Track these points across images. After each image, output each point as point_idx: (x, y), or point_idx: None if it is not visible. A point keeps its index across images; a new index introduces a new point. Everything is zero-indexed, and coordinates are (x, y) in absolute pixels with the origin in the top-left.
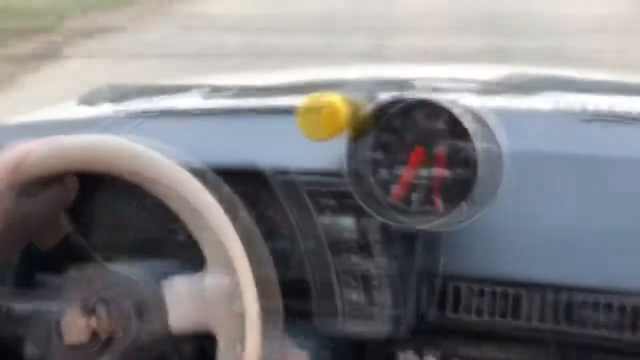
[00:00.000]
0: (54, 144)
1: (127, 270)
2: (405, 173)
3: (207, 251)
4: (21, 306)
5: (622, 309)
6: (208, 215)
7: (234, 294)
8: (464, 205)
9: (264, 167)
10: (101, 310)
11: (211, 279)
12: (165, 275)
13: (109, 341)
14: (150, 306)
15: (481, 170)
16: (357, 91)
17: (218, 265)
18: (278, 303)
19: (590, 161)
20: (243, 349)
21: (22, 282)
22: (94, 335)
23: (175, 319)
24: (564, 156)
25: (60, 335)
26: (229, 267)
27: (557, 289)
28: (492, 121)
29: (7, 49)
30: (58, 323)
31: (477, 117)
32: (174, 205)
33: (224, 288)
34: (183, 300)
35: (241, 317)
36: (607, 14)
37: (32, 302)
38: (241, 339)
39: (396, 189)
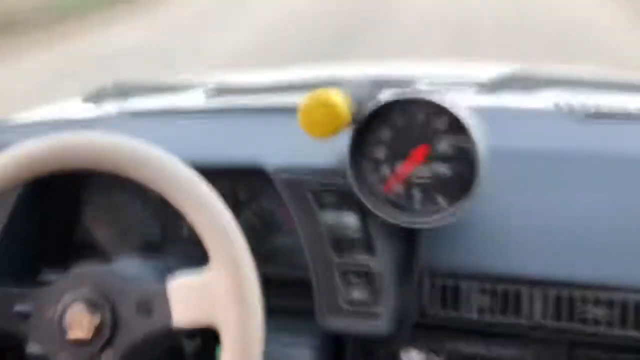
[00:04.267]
0: (57, 142)
1: (131, 267)
2: (402, 168)
3: (210, 247)
4: (25, 302)
5: (624, 307)
6: (210, 211)
7: (238, 289)
8: (464, 201)
9: (266, 164)
10: (105, 306)
11: (214, 275)
12: (169, 271)
13: (112, 337)
14: (154, 303)
15: (481, 167)
16: (359, 88)
17: (221, 261)
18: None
19: (590, 159)
20: (246, 345)
21: (26, 278)
22: (98, 331)
23: (179, 315)
24: (564, 154)
25: (63, 331)
26: (232, 262)
27: (558, 285)
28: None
29: None
30: (61, 319)
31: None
32: (176, 201)
33: (228, 284)
34: (187, 297)
35: (244, 312)
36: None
37: (35, 298)
38: (244, 334)
39: (390, 182)
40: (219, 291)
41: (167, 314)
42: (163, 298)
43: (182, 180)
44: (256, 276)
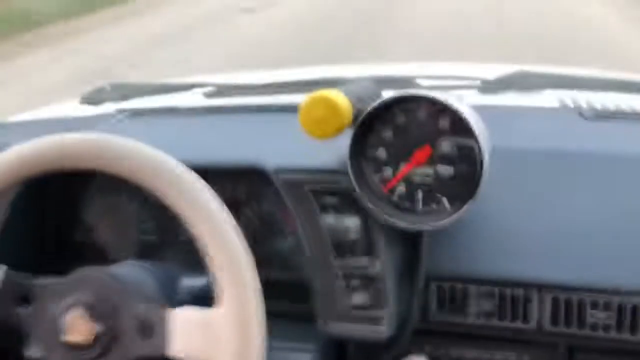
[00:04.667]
0: (56, 142)
1: (135, 277)
2: (403, 168)
3: (223, 288)
4: (24, 305)
5: (634, 310)
6: (228, 252)
7: (243, 337)
8: (468, 204)
9: (266, 165)
10: (105, 316)
11: (222, 318)
12: (173, 284)
13: (108, 349)
14: (155, 327)
15: (484, 168)
16: (360, 88)
17: (231, 306)
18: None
19: (594, 160)
20: None
21: (24, 278)
22: (95, 339)
23: (178, 347)
24: (567, 154)
25: (60, 334)
26: (242, 309)
27: (565, 290)
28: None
29: None
30: (60, 322)
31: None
32: (193, 227)
33: (233, 330)
34: (189, 332)
35: (244, 356)
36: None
37: (37, 298)
38: None
39: (390, 182)
40: (223, 335)
41: (166, 342)
42: (165, 325)
43: (202, 208)
44: (262, 321)
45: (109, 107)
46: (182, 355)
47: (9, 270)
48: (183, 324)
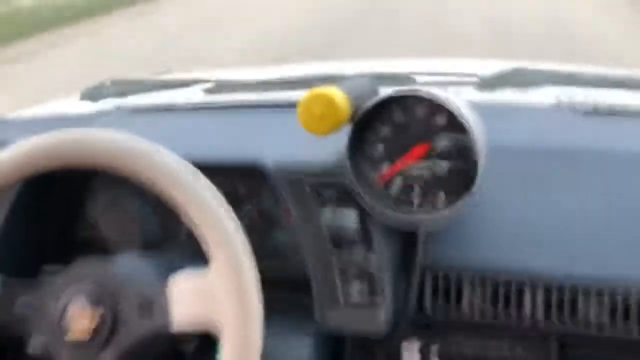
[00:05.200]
0: (59, 139)
1: (132, 265)
2: (399, 162)
3: (211, 248)
4: (27, 297)
5: (626, 303)
6: (210, 211)
7: (238, 292)
8: (464, 199)
9: (265, 162)
10: (106, 303)
11: (215, 277)
12: (170, 271)
13: (112, 335)
14: (154, 302)
15: (481, 164)
16: (358, 85)
17: (222, 263)
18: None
19: (590, 155)
20: (245, 347)
21: (27, 274)
22: (99, 327)
23: (179, 316)
24: (564, 150)
25: (65, 326)
26: (232, 264)
27: (559, 283)
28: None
29: None
30: (63, 314)
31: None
32: (175, 201)
33: (228, 286)
34: (187, 298)
35: (244, 315)
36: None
37: (37, 293)
38: (244, 337)
39: (385, 174)
40: (219, 293)
41: (167, 314)
42: (163, 298)
43: (181, 178)
44: (256, 277)
45: (108, 104)
46: (185, 324)
47: (5, 277)
48: (179, 292)
